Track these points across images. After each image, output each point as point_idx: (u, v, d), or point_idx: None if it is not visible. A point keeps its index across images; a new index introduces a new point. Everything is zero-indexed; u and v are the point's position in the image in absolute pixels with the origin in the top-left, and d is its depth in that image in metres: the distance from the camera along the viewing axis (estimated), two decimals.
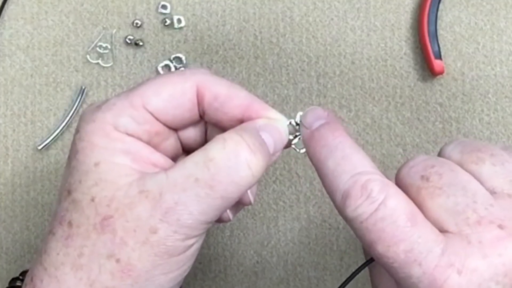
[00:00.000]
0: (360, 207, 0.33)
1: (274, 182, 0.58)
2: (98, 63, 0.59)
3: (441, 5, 0.59)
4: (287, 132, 0.39)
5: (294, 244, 0.57)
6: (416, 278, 0.32)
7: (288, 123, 0.39)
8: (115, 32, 0.59)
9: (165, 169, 0.35)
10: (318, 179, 0.57)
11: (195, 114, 0.38)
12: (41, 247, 0.36)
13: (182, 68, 0.58)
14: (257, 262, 0.57)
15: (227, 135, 0.36)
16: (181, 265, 0.36)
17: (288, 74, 0.59)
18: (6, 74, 0.59)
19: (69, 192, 0.35)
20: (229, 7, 0.59)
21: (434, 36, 0.58)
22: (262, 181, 0.58)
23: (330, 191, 0.35)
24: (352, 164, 0.35)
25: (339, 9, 0.59)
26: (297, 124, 0.40)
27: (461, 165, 0.35)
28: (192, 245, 0.36)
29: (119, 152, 0.36)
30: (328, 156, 0.35)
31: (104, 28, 0.59)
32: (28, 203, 0.57)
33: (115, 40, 0.59)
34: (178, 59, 0.59)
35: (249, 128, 0.37)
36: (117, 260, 0.34)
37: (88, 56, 0.59)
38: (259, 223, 0.57)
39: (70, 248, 0.35)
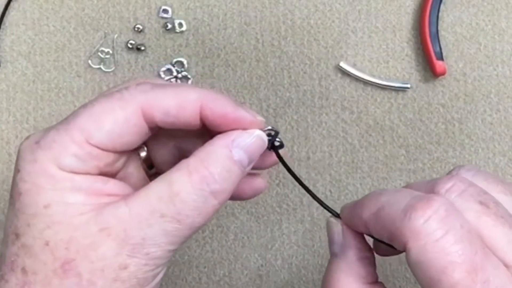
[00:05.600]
0: (431, 221, 0.30)
1: (277, 185, 0.58)
2: (100, 68, 0.59)
3: (442, 6, 0.59)
4: (263, 138, 0.37)
5: (298, 247, 0.57)
6: None
7: (264, 127, 0.37)
8: (117, 37, 0.59)
9: (123, 197, 0.34)
10: (321, 182, 0.57)
11: (145, 134, 0.36)
12: None
13: (184, 73, 0.58)
14: (261, 265, 0.57)
15: (192, 165, 0.34)
16: None
17: (290, 76, 0.59)
18: (8, 80, 0.59)
19: (17, 236, 0.34)
20: (230, 10, 0.59)
21: (436, 37, 0.58)
22: None
23: (387, 219, 0.31)
24: (408, 192, 0.32)
25: (340, 11, 0.59)
26: (275, 132, 0.37)
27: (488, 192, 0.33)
28: (160, 271, 0.35)
29: (69, 192, 0.34)
30: (379, 197, 0.33)
31: (105, 33, 0.59)
32: None
33: (117, 45, 0.59)
34: (180, 63, 0.59)
35: (216, 152, 0.35)
36: None
37: (90, 61, 0.59)
38: (263, 226, 0.57)
39: None
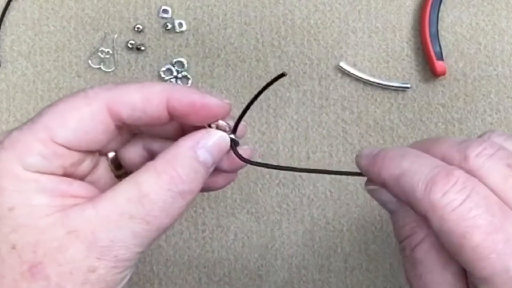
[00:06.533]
0: (449, 193, 0.31)
1: (277, 185, 0.58)
2: (100, 68, 0.59)
3: (442, 6, 0.59)
4: (227, 140, 0.38)
5: (298, 247, 0.57)
6: None
7: (228, 130, 0.38)
8: (117, 37, 0.59)
9: (89, 199, 0.34)
10: (321, 182, 0.57)
11: (111, 132, 0.36)
12: None
13: (184, 73, 0.58)
14: (262, 265, 0.57)
15: (160, 167, 0.34)
16: None
17: (290, 76, 0.59)
18: (8, 80, 0.59)
19: None
20: (230, 10, 0.59)
21: (436, 37, 0.58)
22: (266, 184, 0.58)
23: (408, 187, 0.33)
24: (429, 159, 0.33)
25: (340, 11, 0.59)
26: (233, 131, 0.38)
27: None
28: (128, 273, 0.35)
29: (34, 193, 0.33)
30: (401, 160, 0.33)
31: (105, 33, 0.59)
32: None
33: (117, 45, 0.59)
34: (180, 63, 0.59)
35: (183, 154, 0.35)
36: None
37: (90, 61, 0.59)
38: (263, 226, 0.57)
39: None
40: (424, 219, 0.32)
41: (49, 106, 0.35)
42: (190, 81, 0.58)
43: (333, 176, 0.57)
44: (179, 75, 0.58)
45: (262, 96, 0.58)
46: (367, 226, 0.57)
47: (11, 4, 0.59)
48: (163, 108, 0.36)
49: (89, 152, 0.37)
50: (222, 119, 0.38)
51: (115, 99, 0.35)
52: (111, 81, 0.59)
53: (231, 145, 0.38)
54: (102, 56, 0.59)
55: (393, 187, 0.34)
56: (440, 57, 0.57)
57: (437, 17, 0.58)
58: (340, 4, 0.59)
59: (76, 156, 0.35)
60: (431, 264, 0.35)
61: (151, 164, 0.35)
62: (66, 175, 0.35)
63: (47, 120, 0.34)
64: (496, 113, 0.58)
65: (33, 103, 0.59)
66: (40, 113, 0.35)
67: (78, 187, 0.35)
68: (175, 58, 0.59)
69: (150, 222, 0.34)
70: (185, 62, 0.59)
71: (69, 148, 0.35)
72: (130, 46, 0.59)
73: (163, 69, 0.58)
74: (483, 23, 0.59)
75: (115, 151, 0.40)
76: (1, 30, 0.59)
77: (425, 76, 0.59)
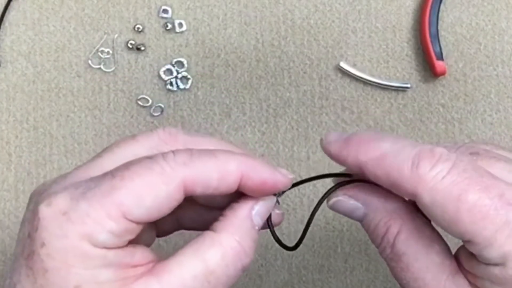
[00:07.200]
0: (437, 165, 0.32)
1: None
2: (100, 68, 0.59)
3: (442, 6, 0.59)
4: (274, 202, 0.38)
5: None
6: None
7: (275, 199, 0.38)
8: (117, 37, 0.59)
9: (150, 271, 0.33)
10: (321, 182, 0.57)
11: (179, 203, 0.35)
12: None
13: (184, 73, 0.58)
14: (262, 265, 0.57)
15: (224, 240, 0.34)
16: None
17: (290, 77, 0.59)
18: (8, 80, 0.59)
19: None
20: (230, 10, 0.59)
21: (436, 37, 0.58)
22: None
23: (393, 167, 0.33)
24: (409, 140, 0.34)
25: (340, 11, 0.59)
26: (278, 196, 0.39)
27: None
28: None
29: (100, 269, 0.32)
30: (379, 142, 0.34)
31: (105, 33, 0.59)
32: None
33: (117, 45, 0.59)
34: (180, 63, 0.59)
35: (243, 225, 0.35)
36: None
37: (90, 61, 0.59)
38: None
39: None
40: (411, 197, 0.33)
41: (122, 178, 0.33)
42: (190, 81, 0.58)
43: None
44: (179, 75, 0.58)
45: (262, 96, 0.59)
46: None
47: (11, 4, 0.59)
48: (236, 184, 0.35)
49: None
50: None
51: (192, 178, 0.34)
52: (110, 81, 0.59)
53: (268, 219, 0.38)
54: (102, 56, 0.59)
55: (373, 169, 0.34)
56: (440, 57, 0.57)
57: (437, 17, 0.58)
58: (340, 4, 0.59)
59: (141, 227, 0.34)
60: (414, 252, 0.35)
61: (216, 237, 0.34)
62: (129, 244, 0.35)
63: (122, 196, 0.32)
64: (496, 113, 0.58)
65: (33, 103, 0.59)
66: (112, 186, 0.33)
67: (139, 257, 0.34)
68: (175, 58, 0.59)
69: None
70: (185, 62, 0.59)
71: (138, 223, 0.33)
72: (130, 46, 0.59)
73: (163, 69, 0.59)
74: (483, 23, 0.59)
75: None
76: (1, 30, 0.59)
77: (425, 76, 0.59)
